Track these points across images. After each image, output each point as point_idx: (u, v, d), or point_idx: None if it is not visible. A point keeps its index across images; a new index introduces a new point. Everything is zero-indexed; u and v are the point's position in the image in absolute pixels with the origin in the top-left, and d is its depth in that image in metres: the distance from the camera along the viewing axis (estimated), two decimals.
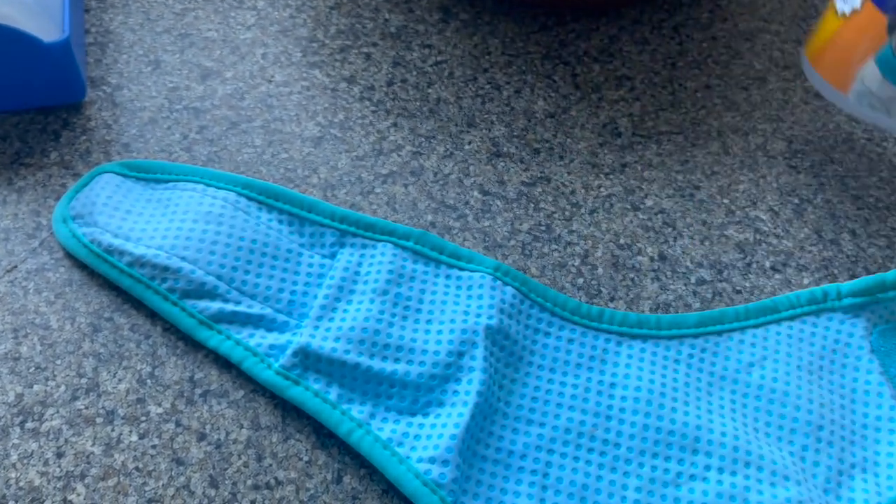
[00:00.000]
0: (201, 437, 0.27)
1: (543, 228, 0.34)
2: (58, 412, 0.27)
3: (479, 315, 0.29)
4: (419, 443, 0.27)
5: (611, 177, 0.36)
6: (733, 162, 0.37)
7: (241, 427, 0.27)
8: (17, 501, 0.25)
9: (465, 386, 0.28)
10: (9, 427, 0.27)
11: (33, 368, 0.28)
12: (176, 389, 0.28)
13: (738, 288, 0.33)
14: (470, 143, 0.36)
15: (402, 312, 0.30)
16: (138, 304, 0.30)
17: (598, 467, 0.27)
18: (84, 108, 0.35)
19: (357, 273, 0.31)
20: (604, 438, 0.28)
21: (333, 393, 0.28)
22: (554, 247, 0.33)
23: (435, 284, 0.31)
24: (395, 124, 0.37)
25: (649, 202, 0.35)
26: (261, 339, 0.29)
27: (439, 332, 0.29)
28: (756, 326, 0.31)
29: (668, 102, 0.39)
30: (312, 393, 0.28)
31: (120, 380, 0.28)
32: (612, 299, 0.32)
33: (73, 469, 0.26)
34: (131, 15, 0.39)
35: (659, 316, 0.31)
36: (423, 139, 0.36)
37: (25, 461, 0.26)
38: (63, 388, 0.28)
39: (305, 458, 0.27)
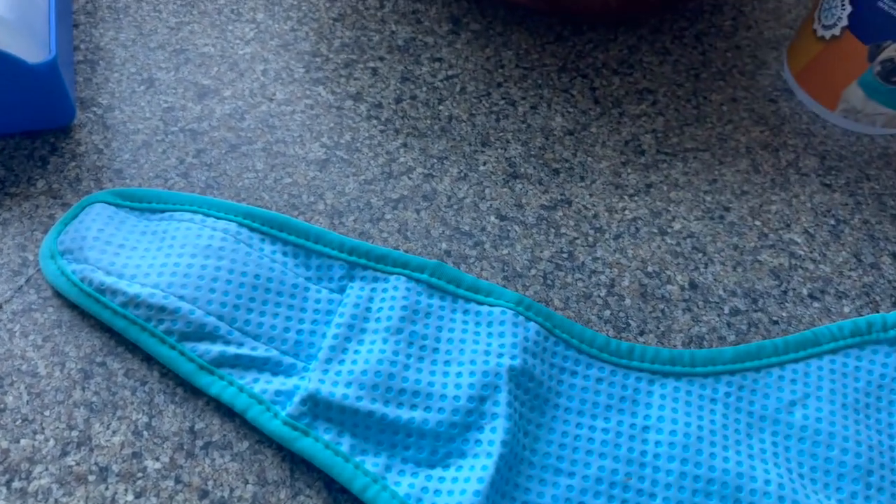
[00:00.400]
0: (203, 494, 0.25)
1: (566, 256, 0.32)
2: (47, 469, 0.25)
3: (500, 355, 0.27)
4: (440, 499, 0.25)
5: (635, 198, 0.34)
6: (764, 181, 0.35)
7: (247, 483, 0.25)
8: None
9: (488, 434, 0.26)
10: None
11: (20, 420, 0.26)
12: (175, 441, 0.26)
13: (774, 318, 0.31)
14: (485, 163, 0.34)
15: (418, 353, 0.27)
16: (133, 348, 0.28)
17: None
18: (73, 132, 0.33)
19: (368, 309, 0.28)
20: (638, 488, 0.26)
21: (346, 444, 0.25)
22: (578, 276, 0.31)
23: (452, 321, 0.29)
24: (404, 144, 0.34)
25: (677, 225, 0.33)
26: (266, 384, 0.26)
27: (459, 374, 0.27)
28: (796, 361, 0.29)
29: (693, 117, 0.37)
30: (323, 444, 0.25)
31: (114, 432, 0.26)
32: (641, 333, 0.30)
33: None
34: (123, 30, 0.37)
35: (693, 351, 0.28)
36: (434, 160, 0.34)
37: None
38: (52, 442, 0.25)
39: None
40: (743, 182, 0.35)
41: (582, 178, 0.34)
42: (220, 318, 0.27)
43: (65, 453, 0.25)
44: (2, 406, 0.26)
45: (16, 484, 0.24)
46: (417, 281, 0.29)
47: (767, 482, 0.26)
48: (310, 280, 0.29)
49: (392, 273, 0.29)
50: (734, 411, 0.28)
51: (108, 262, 0.28)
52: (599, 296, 0.31)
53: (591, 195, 0.33)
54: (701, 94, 0.38)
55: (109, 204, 0.30)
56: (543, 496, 0.25)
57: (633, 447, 0.26)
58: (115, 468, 0.25)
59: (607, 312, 0.30)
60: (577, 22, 0.40)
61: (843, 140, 0.36)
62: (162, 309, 0.27)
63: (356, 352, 0.27)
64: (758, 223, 0.33)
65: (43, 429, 0.26)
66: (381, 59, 0.37)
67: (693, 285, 0.31)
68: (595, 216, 0.33)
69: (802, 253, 0.33)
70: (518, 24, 0.40)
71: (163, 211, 0.30)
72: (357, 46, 0.38)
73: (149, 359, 0.27)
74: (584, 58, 0.39)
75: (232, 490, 0.25)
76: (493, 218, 0.32)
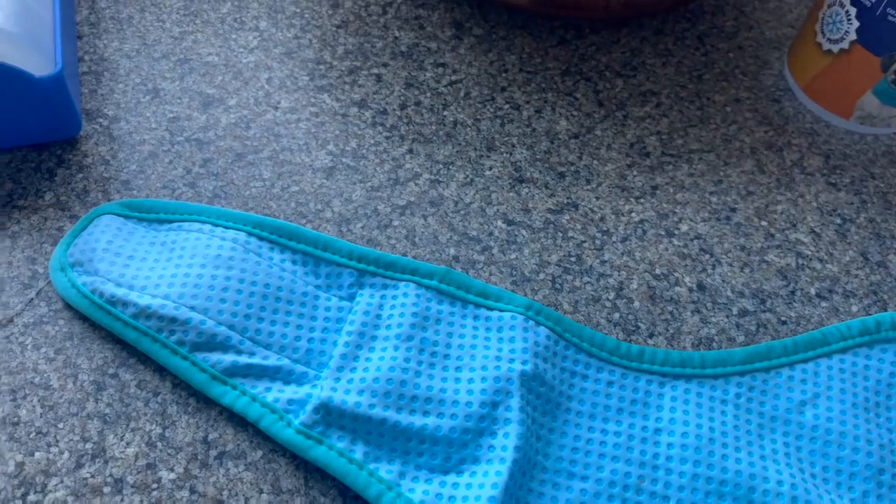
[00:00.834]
0: None
1: (574, 259, 0.32)
2: (62, 482, 0.25)
3: (512, 360, 0.27)
4: None
5: (642, 201, 0.34)
6: (769, 181, 0.35)
7: (261, 492, 0.25)
8: None
9: (501, 440, 0.26)
10: (9, 500, 0.24)
11: (34, 433, 0.26)
12: (189, 452, 0.26)
13: (783, 318, 0.31)
14: (491, 168, 0.34)
15: (430, 360, 0.28)
16: (145, 359, 0.28)
17: None
18: (80, 144, 0.33)
19: (378, 317, 0.28)
20: (651, 491, 0.26)
21: (359, 452, 0.26)
22: (586, 279, 0.31)
23: (463, 327, 0.29)
24: (410, 150, 0.34)
25: (684, 227, 0.33)
26: (278, 393, 0.27)
27: (471, 380, 0.27)
28: (805, 361, 0.29)
29: (697, 118, 0.37)
30: (337, 452, 0.25)
31: (128, 443, 0.26)
32: (651, 335, 0.30)
33: None
34: (127, 40, 0.37)
35: (703, 353, 0.29)
36: (440, 166, 0.34)
37: None
38: (67, 454, 0.25)
39: None
40: (748, 182, 0.35)
41: (588, 181, 0.34)
42: (232, 327, 0.27)
43: (79, 465, 0.25)
44: (15, 419, 0.26)
45: (31, 497, 0.25)
46: (427, 287, 0.29)
47: (780, 483, 0.26)
48: (319, 288, 0.29)
49: (401, 280, 0.29)
50: (745, 412, 0.28)
51: (118, 274, 0.28)
52: (608, 299, 0.31)
53: (597, 198, 0.34)
54: (704, 95, 0.38)
55: (118, 215, 0.30)
56: (557, 500, 0.25)
57: (646, 450, 0.27)
58: (129, 479, 0.25)
59: (616, 315, 0.30)
60: (579, 25, 0.40)
61: (848, 139, 0.37)
62: (173, 320, 0.27)
63: (367, 359, 0.27)
64: (764, 223, 0.33)
65: (57, 441, 0.26)
66: (385, 65, 0.38)
67: (701, 287, 0.31)
68: (602, 219, 0.33)
69: (809, 252, 0.33)
70: (521, 29, 0.40)
71: (171, 221, 0.30)
72: (360, 53, 0.38)
73: (161, 370, 0.27)
74: (587, 61, 0.39)
75: (247, 499, 0.25)
76: (500, 223, 0.32)
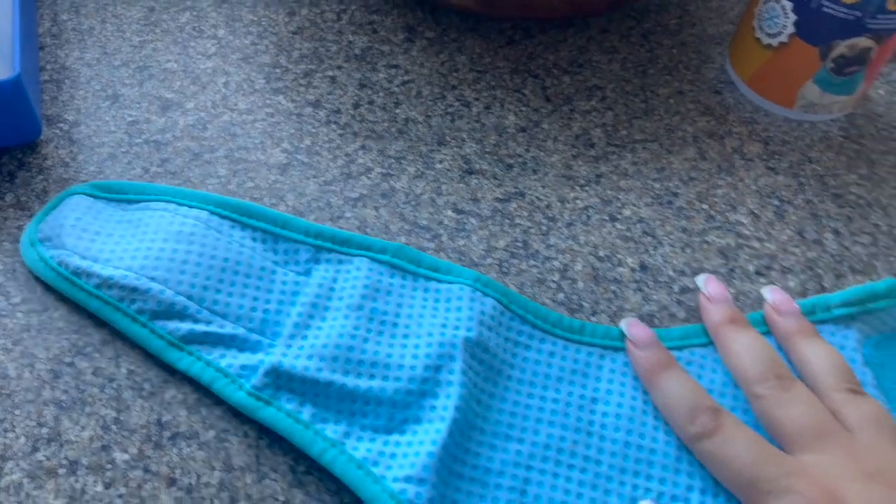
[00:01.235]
0: (171, 482, 0.26)
1: (520, 245, 0.33)
2: (18, 465, 0.26)
3: (457, 328, 0.28)
4: (395, 461, 0.26)
5: (586, 188, 0.35)
6: (710, 167, 0.36)
7: (213, 469, 0.26)
8: None
9: (442, 401, 0.27)
10: None
11: None
12: (143, 434, 0.27)
13: None
14: (441, 161, 0.35)
15: (378, 328, 0.29)
16: (101, 348, 0.28)
17: (579, 485, 0.26)
18: (40, 147, 0.34)
19: (332, 289, 0.30)
20: (584, 455, 0.27)
21: (307, 413, 0.27)
22: (532, 262, 0.32)
23: (413, 298, 0.30)
24: (363, 147, 0.36)
25: (627, 212, 0.34)
26: (232, 359, 0.28)
27: (416, 346, 0.28)
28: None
29: (641, 110, 0.38)
30: (285, 413, 0.26)
31: (83, 427, 0.27)
32: (594, 313, 0.31)
33: None
34: (87, 50, 0.38)
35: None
36: (392, 160, 0.35)
37: None
38: (23, 439, 0.26)
39: (282, 499, 0.26)
40: (690, 169, 0.36)
41: (535, 172, 0.35)
42: (190, 297, 0.28)
43: (35, 449, 0.26)
44: None
45: None
46: (380, 262, 0.30)
47: None
48: (277, 263, 0.30)
49: (356, 255, 0.31)
50: None
51: (84, 248, 0.30)
52: (553, 280, 0.32)
53: (543, 187, 0.35)
54: (649, 88, 0.39)
55: (88, 195, 0.32)
56: (493, 460, 0.26)
57: (581, 416, 0.28)
58: (84, 461, 0.26)
59: (561, 295, 0.31)
60: (527, 27, 0.42)
61: (786, 126, 0.38)
62: (134, 289, 0.28)
63: (318, 328, 0.28)
64: (705, 206, 0.35)
65: (14, 427, 0.26)
66: (339, 67, 0.39)
67: (643, 267, 0.32)
68: (548, 206, 0.34)
69: (748, 233, 0.34)
70: (471, 31, 0.41)
71: (139, 202, 0.32)
72: (315, 57, 0.39)
73: (117, 357, 0.28)
74: (535, 59, 0.40)
75: (199, 477, 0.26)
76: (449, 212, 0.34)
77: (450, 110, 0.37)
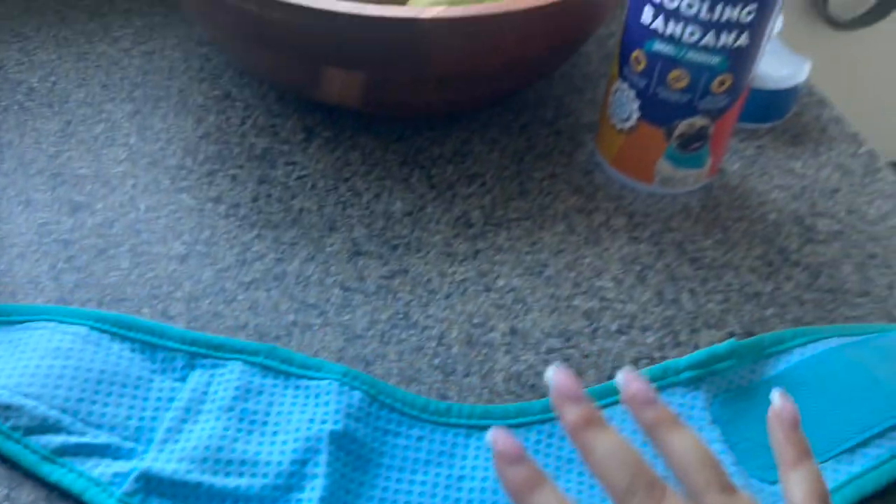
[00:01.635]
0: None
1: (401, 316, 0.35)
2: None
3: (324, 422, 0.31)
4: None
5: (464, 263, 0.38)
6: (578, 239, 0.40)
7: None
8: None
9: (308, 493, 0.29)
10: None
11: None
12: None
13: (586, 352, 0.35)
14: (332, 245, 0.38)
15: (248, 427, 0.31)
16: None
17: None
18: None
19: (205, 393, 0.32)
20: None
21: None
22: (411, 332, 0.35)
23: (283, 396, 0.32)
24: (258, 235, 0.39)
25: (500, 282, 0.37)
26: (105, 468, 0.29)
27: (284, 442, 0.30)
28: (603, 408, 0.33)
29: (517, 192, 0.42)
30: None
31: None
32: (466, 375, 0.33)
33: None
34: (5, 161, 0.42)
35: (506, 406, 0.32)
36: (286, 246, 0.38)
37: None
38: None
39: None
40: (560, 242, 0.39)
41: (418, 251, 0.39)
42: (64, 410, 0.30)
43: None
44: None
45: None
46: (252, 364, 0.33)
47: None
48: (154, 372, 0.32)
49: (229, 359, 0.33)
50: (543, 456, 0.31)
51: None
52: (430, 347, 0.34)
53: (425, 264, 0.38)
54: (525, 173, 0.43)
55: None
56: None
57: (448, 495, 0.30)
58: None
59: (437, 360, 0.34)
60: (416, 124, 0.46)
61: (650, 200, 0.42)
62: (8, 407, 0.30)
63: (190, 431, 0.30)
64: (572, 274, 0.38)
65: None
66: (241, 166, 0.42)
67: (514, 331, 0.35)
68: (428, 281, 0.37)
69: (612, 296, 0.37)
70: (365, 130, 0.45)
71: (21, 322, 0.34)
72: (219, 158, 0.43)
73: None
74: (422, 152, 0.44)
75: None
76: (337, 290, 0.36)
77: (342, 199, 0.41)
